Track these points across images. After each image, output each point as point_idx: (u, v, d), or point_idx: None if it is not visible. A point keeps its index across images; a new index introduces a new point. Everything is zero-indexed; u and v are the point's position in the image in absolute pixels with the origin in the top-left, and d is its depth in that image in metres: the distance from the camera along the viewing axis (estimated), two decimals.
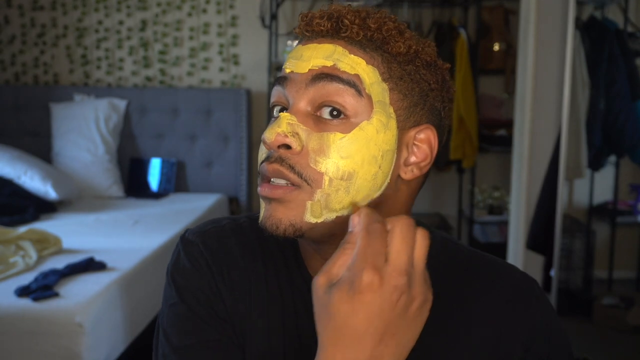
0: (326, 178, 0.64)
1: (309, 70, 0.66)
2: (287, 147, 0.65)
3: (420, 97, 0.68)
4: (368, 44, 0.67)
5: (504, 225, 3.68)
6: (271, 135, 0.64)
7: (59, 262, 2.22)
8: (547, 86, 2.83)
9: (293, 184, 0.65)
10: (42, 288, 1.96)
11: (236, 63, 3.85)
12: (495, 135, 3.74)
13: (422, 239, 0.55)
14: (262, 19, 3.71)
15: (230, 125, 3.72)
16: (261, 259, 0.76)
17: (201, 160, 3.76)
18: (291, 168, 0.64)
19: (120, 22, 3.84)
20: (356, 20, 0.66)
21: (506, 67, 3.75)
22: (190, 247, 0.76)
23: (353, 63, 0.65)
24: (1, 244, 2.35)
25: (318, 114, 0.65)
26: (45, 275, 2.06)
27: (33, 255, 2.28)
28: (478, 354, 0.72)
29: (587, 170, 3.28)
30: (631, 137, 3.04)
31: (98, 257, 2.27)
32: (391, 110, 0.66)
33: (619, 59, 3.02)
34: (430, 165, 0.70)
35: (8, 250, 2.32)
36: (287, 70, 0.68)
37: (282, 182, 0.65)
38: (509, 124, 3.56)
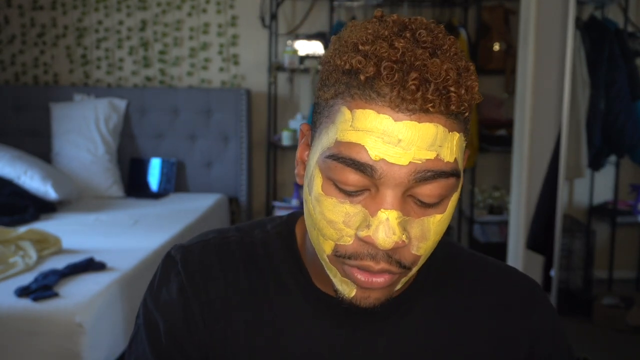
0: (422, 258, 0.63)
1: (410, 162, 0.57)
2: None
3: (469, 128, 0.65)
4: (458, 117, 0.60)
5: (504, 225, 3.68)
6: (388, 243, 0.58)
7: (59, 262, 2.22)
8: (547, 86, 2.83)
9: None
10: (42, 288, 1.96)
11: (236, 63, 3.85)
12: (495, 135, 3.74)
13: None
14: (262, 19, 3.71)
15: (230, 125, 3.72)
16: (246, 276, 0.73)
17: (201, 160, 3.76)
18: (398, 263, 0.61)
19: (120, 22, 3.84)
20: (461, 91, 0.57)
21: (506, 67, 3.75)
22: (169, 266, 0.74)
23: (451, 145, 0.58)
24: (1, 244, 2.35)
25: (413, 197, 0.61)
26: (45, 275, 2.06)
27: (33, 255, 2.28)
28: (480, 357, 0.72)
29: (587, 170, 3.28)
30: (631, 137, 3.04)
31: (98, 257, 2.27)
32: (463, 153, 0.63)
33: (619, 59, 3.02)
34: None
35: (8, 250, 2.32)
36: (377, 159, 0.57)
37: None
38: (509, 124, 3.56)
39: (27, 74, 3.92)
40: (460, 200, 3.94)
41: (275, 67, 3.59)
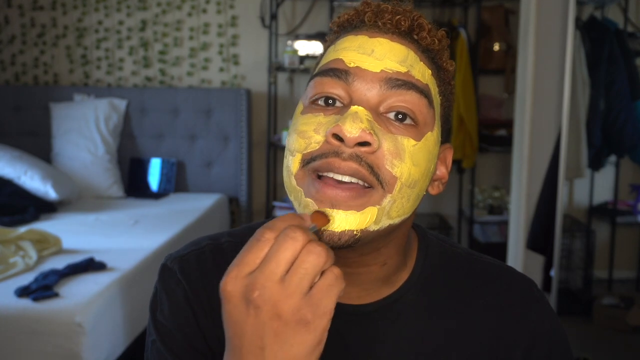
0: (399, 183, 0.60)
1: (382, 70, 0.62)
2: (362, 144, 0.59)
3: (448, 116, 0.69)
4: (429, 53, 0.66)
5: (504, 225, 3.68)
6: (354, 130, 0.58)
7: (59, 262, 2.22)
8: (547, 86, 2.83)
9: (368, 186, 0.60)
10: (42, 288, 1.96)
11: (236, 63, 3.85)
12: (495, 135, 3.74)
13: (306, 255, 0.50)
14: (262, 19, 3.71)
15: (230, 125, 3.72)
16: None
17: (201, 160, 3.76)
18: (370, 168, 0.59)
19: (120, 22, 3.84)
20: (429, 26, 0.65)
21: (506, 67, 3.75)
22: (169, 276, 0.74)
23: (423, 71, 0.64)
24: (1, 244, 2.35)
25: (385, 115, 0.63)
26: (45, 275, 2.06)
27: (33, 255, 2.28)
28: (477, 358, 0.72)
29: (587, 170, 3.28)
30: (631, 137, 3.04)
31: (98, 257, 2.27)
32: (440, 123, 0.66)
33: (619, 59, 3.02)
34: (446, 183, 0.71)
35: (8, 250, 2.32)
36: (352, 65, 0.62)
37: (354, 180, 0.60)
38: (509, 124, 3.56)
39: (27, 74, 3.92)
40: (460, 200, 3.94)
41: (275, 67, 3.59)
